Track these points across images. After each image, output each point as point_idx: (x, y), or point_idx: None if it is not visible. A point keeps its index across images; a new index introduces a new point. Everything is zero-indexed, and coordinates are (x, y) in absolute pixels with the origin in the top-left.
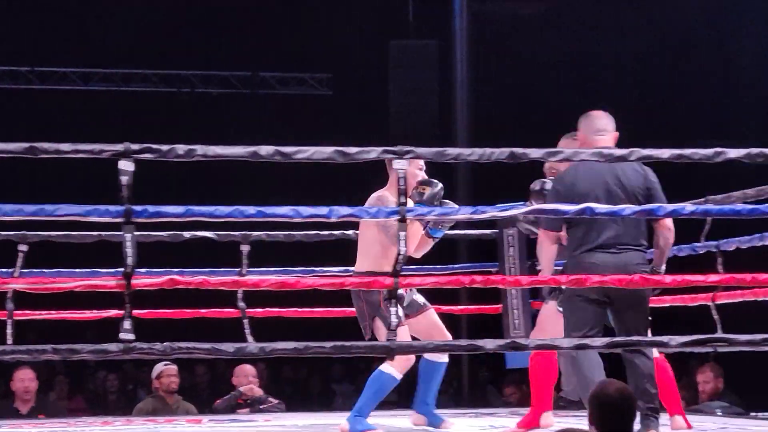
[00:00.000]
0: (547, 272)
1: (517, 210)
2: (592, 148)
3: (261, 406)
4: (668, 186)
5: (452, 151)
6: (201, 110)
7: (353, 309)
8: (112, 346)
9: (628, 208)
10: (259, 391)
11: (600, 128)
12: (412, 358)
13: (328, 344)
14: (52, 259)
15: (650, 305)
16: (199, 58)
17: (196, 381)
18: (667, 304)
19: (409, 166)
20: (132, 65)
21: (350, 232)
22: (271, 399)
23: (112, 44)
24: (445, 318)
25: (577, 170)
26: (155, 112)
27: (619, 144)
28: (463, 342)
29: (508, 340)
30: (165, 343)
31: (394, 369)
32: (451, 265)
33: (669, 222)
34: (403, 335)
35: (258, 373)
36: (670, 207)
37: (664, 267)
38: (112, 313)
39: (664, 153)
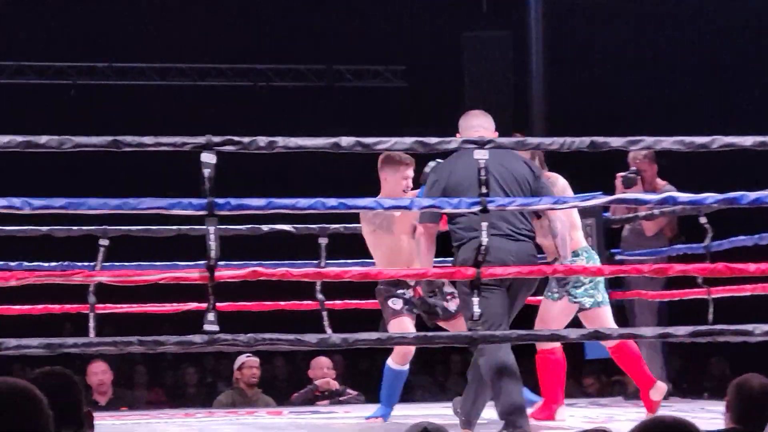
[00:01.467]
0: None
1: (598, 200)
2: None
3: (340, 398)
4: (755, 171)
5: (533, 140)
6: (276, 104)
7: None
8: (197, 338)
9: (711, 197)
10: (335, 384)
11: (475, 125)
12: (410, 349)
13: (411, 335)
14: (129, 254)
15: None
16: (275, 51)
17: (274, 374)
18: (748, 293)
19: (395, 174)
20: (208, 60)
21: None
22: (349, 391)
23: (189, 39)
24: (523, 309)
25: (458, 162)
26: (231, 106)
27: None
28: (546, 332)
29: (591, 330)
30: (249, 335)
31: (397, 363)
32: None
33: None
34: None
35: (335, 365)
36: (754, 195)
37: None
38: (193, 305)
39: (747, 140)
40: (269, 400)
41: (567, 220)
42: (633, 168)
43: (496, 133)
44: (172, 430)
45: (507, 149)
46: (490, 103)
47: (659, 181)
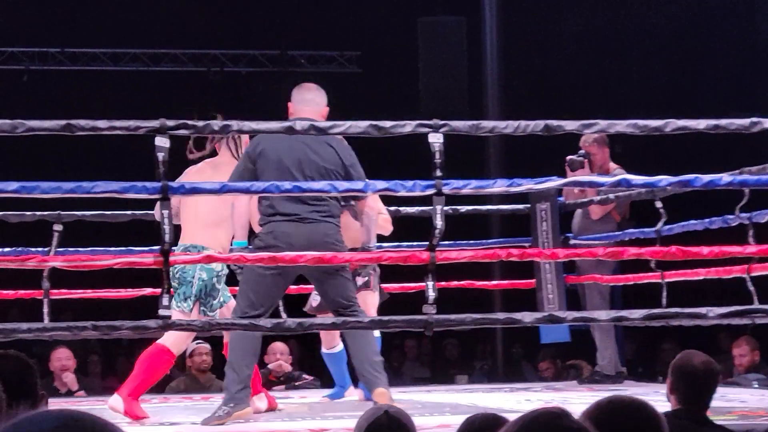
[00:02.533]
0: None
1: (553, 182)
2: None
3: (296, 383)
4: (705, 156)
5: (487, 124)
6: (230, 89)
7: (388, 285)
8: (152, 323)
9: (665, 179)
10: (287, 367)
11: (307, 99)
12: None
13: (366, 318)
14: (84, 239)
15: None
16: (228, 37)
17: None
18: (701, 277)
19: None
20: (161, 45)
21: (392, 208)
22: (305, 376)
23: (142, 24)
24: (479, 294)
25: (270, 140)
26: (185, 91)
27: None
28: (501, 315)
29: (545, 313)
30: (203, 319)
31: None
32: (484, 241)
33: (371, 201)
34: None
35: (291, 350)
36: (707, 177)
37: (373, 242)
38: (148, 291)
39: (700, 123)
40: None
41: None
42: (582, 151)
43: (327, 109)
44: None
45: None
46: (444, 88)
47: (611, 165)
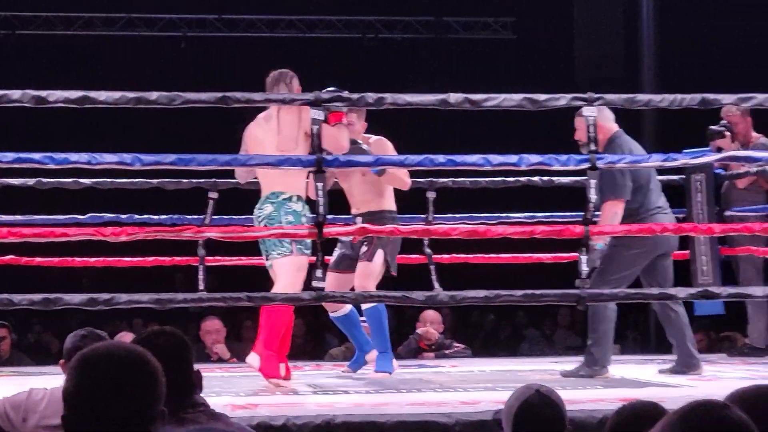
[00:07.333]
0: None
1: (709, 157)
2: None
3: (446, 351)
4: None
5: (642, 97)
6: (385, 56)
7: (540, 255)
8: (305, 294)
9: None
10: (435, 334)
11: None
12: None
13: (518, 292)
14: (239, 206)
15: None
16: (383, 3)
17: None
18: None
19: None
20: (317, 12)
21: (536, 178)
22: (456, 344)
23: None
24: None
25: None
26: (340, 58)
27: None
28: (654, 290)
29: (699, 289)
30: (356, 291)
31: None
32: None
33: None
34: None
35: (443, 318)
36: None
37: None
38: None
39: None
40: None
41: None
42: (723, 121)
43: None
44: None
45: None
46: (600, 55)
47: (754, 134)
